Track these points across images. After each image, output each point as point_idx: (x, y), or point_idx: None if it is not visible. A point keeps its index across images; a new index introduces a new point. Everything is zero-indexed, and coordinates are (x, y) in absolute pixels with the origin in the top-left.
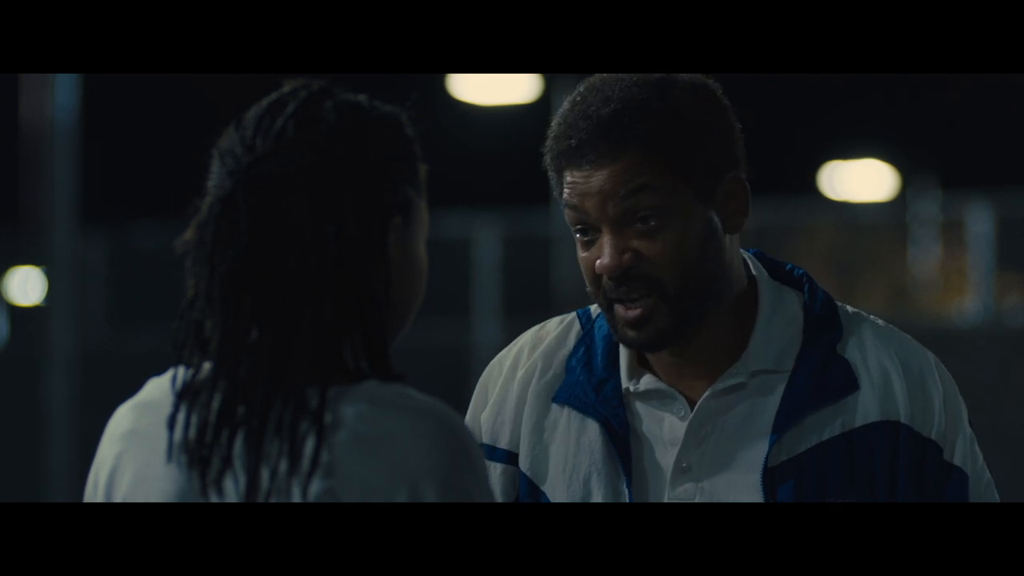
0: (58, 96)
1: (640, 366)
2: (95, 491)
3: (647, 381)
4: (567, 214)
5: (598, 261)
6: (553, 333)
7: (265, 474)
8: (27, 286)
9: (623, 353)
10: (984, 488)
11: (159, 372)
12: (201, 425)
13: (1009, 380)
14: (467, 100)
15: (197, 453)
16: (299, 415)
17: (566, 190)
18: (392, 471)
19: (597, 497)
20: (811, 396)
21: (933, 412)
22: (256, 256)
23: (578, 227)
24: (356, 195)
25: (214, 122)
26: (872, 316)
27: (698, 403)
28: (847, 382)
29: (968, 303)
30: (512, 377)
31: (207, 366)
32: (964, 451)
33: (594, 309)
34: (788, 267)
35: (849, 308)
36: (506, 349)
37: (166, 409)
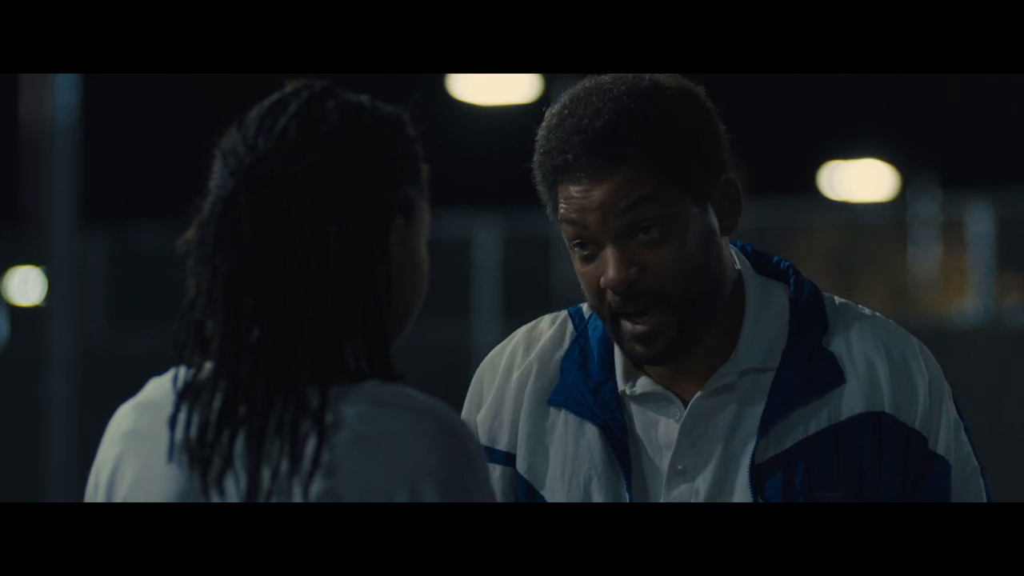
0: (58, 96)
1: (635, 368)
2: (96, 491)
3: (643, 384)
4: (565, 229)
5: (603, 276)
6: (547, 334)
7: (266, 474)
8: (27, 286)
9: (618, 355)
10: (969, 474)
11: (160, 372)
12: (202, 425)
13: (1009, 380)
14: (467, 100)
15: (198, 453)
16: (300, 415)
17: (563, 205)
18: (392, 471)
19: (598, 500)
20: (797, 391)
21: (917, 400)
22: (258, 256)
23: (576, 241)
24: (358, 195)
25: (214, 122)
26: (859, 305)
27: (688, 406)
28: (833, 376)
29: (968, 303)
30: (508, 378)
31: (208, 366)
32: (948, 438)
33: (586, 308)
34: (775, 260)
35: (836, 299)
36: (499, 347)
37: (167, 409)
